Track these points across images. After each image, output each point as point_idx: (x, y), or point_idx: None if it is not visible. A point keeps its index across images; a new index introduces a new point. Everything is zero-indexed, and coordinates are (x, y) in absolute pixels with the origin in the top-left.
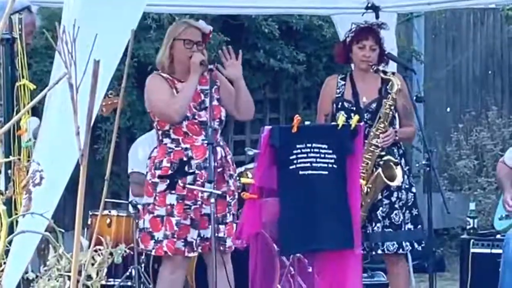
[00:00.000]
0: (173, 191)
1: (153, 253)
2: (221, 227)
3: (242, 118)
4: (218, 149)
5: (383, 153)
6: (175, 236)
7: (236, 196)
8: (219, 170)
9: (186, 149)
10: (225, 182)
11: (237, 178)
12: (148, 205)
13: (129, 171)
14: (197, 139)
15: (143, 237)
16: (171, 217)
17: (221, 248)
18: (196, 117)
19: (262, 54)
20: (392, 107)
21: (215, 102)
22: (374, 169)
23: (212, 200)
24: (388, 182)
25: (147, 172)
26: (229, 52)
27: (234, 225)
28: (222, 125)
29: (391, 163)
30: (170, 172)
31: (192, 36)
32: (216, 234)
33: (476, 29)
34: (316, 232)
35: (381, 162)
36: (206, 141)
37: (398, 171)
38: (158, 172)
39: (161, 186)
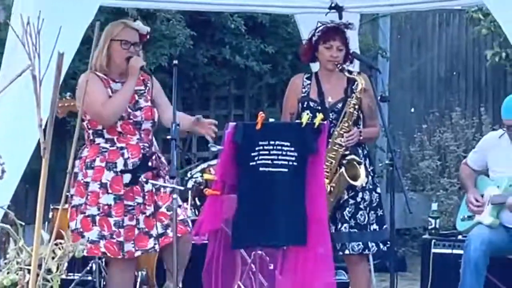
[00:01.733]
0: (110, 192)
1: (85, 253)
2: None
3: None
4: (153, 148)
5: (347, 152)
6: (114, 236)
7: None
8: (154, 171)
9: (121, 148)
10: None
11: (200, 174)
12: (80, 206)
13: None
14: (132, 138)
15: (74, 238)
16: (108, 217)
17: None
18: (131, 117)
19: (228, 50)
20: (356, 106)
21: (148, 103)
22: (338, 168)
23: (175, 195)
24: (351, 182)
25: (77, 172)
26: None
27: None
28: (155, 126)
29: (355, 163)
30: (105, 171)
31: (129, 37)
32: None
33: (441, 30)
34: (269, 228)
35: (344, 161)
36: (140, 140)
37: (362, 170)
38: (90, 172)
39: (93, 186)
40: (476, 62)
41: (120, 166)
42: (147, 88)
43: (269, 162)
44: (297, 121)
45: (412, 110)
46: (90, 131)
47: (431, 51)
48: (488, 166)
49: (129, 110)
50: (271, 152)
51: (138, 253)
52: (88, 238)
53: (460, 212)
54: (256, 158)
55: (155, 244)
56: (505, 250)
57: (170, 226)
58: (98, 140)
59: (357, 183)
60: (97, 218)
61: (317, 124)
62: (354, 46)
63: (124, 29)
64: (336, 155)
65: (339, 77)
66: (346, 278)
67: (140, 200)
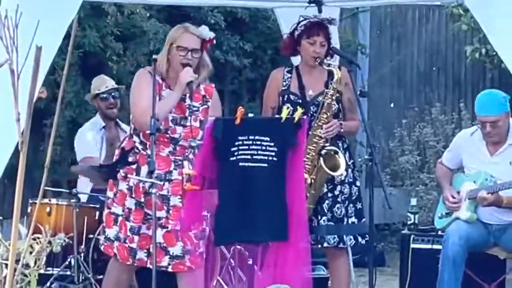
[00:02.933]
0: (133, 196)
1: (101, 248)
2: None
3: None
4: (185, 163)
5: (327, 144)
6: (127, 241)
7: None
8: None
9: (149, 156)
10: None
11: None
12: (108, 199)
13: (79, 159)
14: (164, 150)
15: (103, 230)
16: (127, 221)
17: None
18: (169, 132)
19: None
20: (334, 97)
21: (195, 124)
22: (318, 160)
23: (154, 190)
24: (330, 172)
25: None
26: None
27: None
28: (195, 144)
29: (333, 153)
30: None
31: (186, 43)
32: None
33: (421, 26)
34: (250, 223)
35: (322, 152)
36: (172, 153)
37: (341, 160)
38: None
39: (122, 185)
40: (456, 58)
41: (143, 174)
42: (204, 106)
43: (249, 157)
44: (276, 116)
45: (392, 105)
46: (132, 125)
47: (411, 47)
48: (463, 164)
49: (170, 124)
50: (251, 147)
51: (150, 266)
52: (107, 235)
53: (437, 210)
54: (235, 153)
55: (169, 264)
56: (483, 245)
57: (190, 253)
58: (135, 138)
59: (337, 173)
60: (120, 218)
61: (296, 118)
62: (335, 41)
63: (182, 34)
64: (316, 147)
65: (320, 71)
66: (326, 273)
67: (163, 214)
